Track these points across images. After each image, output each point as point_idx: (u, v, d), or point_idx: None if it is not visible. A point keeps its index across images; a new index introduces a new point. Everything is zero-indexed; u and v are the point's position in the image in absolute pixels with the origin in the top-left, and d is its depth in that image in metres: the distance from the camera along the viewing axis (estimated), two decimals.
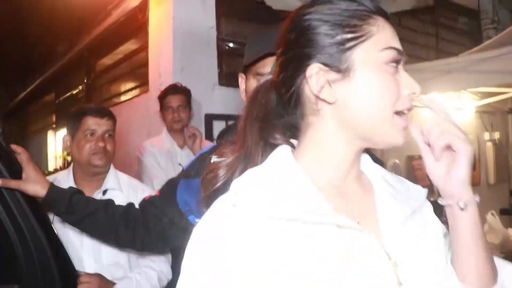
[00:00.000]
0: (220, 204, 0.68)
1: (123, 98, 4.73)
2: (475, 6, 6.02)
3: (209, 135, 3.44)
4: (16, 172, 1.37)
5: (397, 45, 0.70)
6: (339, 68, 0.68)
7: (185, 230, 1.29)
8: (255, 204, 0.65)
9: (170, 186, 1.33)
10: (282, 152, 0.72)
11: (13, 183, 1.33)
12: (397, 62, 0.70)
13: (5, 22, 5.27)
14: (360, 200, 0.75)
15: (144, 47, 3.94)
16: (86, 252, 1.68)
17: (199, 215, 1.21)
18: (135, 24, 4.08)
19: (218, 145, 1.35)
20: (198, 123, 3.42)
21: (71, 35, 5.65)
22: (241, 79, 1.28)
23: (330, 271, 0.63)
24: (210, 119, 3.45)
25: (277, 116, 0.76)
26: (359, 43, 0.68)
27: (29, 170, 1.36)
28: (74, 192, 1.39)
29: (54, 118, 7.71)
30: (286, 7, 3.88)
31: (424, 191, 0.80)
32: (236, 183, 0.69)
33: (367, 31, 0.68)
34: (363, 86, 0.68)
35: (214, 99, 3.51)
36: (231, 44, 3.81)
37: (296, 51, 0.71)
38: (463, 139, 0.72)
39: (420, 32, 5.39)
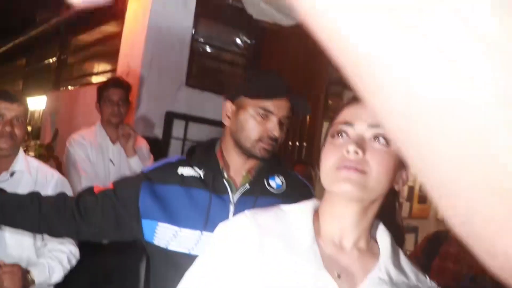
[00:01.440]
0: (240, 214, 0.90)
1: (91, 80, 4.66)
2: None
3: (168, 133, 3.43)
4: None
5: (348, 119, 0.83)
6: None
7: (130, 229, 1.32)
8: (260, 221, 0.85)
9: (130, 185, 1.35)
10: (307, 203, 0.91)
11: None
12: (341, 132, 0.83)
13: None
14: (355, 260, 0.84)
15: (119, 34, 3.89)
16: None
17: (164, 219, 1.27)
18: (114, 9, 4.02)
19: (187, 159, 1.37)
20: (159, 120, 3.41)
21: (50, 5, 5.53)
22: (229, 106, 1.34)
23: None
24: (171, 117, 3.43)
25: None
26: (332, 122, 0.87)
27: None
28: None
29: (21, 84, 7.54)
30: (266, 18, 3.90)
31: (431, 287, 0.86)
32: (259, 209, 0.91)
33: (337, 113, 0.87)
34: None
35: (178, 98, 3.50)
36: (205, 46, 3.81)
37: None
38: None
39: None
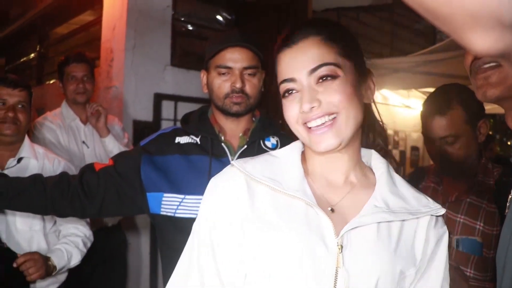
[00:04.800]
0: (228, 166, 0.90)
1: None
2: None
3: (157, 115, 3.45)
4: None
5: (288, 74, 0.82)
6: None
7: (134, 204, 1.35)
8: (248, 168, 0.85)
9: (129, 160, 1.37)
10: (295, 144, 0.92)
11: None
12: (288, 90, 0.83)
13: None
14: (349, 194, 0.85)
15: (98, 21, 3.86)
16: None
17: (169, 190, 1.31)
18: None
19: (182, 127, 1.41)
20: (148, 102, 3.42)
21: (23, 0, 5.44)
22: (203, 75, 1.43)
23: (290, 231, 0.79)
24: (159, 98, 3.44)
25: None
26: (278, 80, 0.86)
27: None
28: None
29: None
30: None
31: (434, 209, 0.84)
32: (248, 157, 0.90)
33: (276, 69, 0.86)
34: None
35: (165, 79, 3.50)
36: (186, 25, 3.80)
37: None
38: None
39: (377, 29, 5.54)
